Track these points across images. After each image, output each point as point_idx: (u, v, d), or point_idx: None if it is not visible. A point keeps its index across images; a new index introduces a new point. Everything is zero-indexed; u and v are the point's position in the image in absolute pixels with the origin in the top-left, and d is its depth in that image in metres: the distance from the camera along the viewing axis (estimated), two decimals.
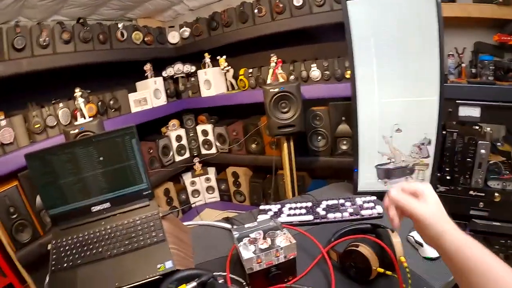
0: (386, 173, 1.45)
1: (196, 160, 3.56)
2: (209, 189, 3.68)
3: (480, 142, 1.70)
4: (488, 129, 1.77)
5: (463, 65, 2.03)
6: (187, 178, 3.64)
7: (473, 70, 1.99)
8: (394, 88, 1.39)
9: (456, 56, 2.04)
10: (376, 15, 1.36)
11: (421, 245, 1.03)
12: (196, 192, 3.66)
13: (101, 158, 1.21)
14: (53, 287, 1.05)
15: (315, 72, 2.62)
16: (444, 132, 1.78)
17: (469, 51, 2.04)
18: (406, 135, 1.40)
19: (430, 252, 1.01)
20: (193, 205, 3.56)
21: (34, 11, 2.61)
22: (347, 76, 2.44)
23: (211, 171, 3.67)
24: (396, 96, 1.39)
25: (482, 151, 1.69)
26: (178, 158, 3.48)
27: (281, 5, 2.65)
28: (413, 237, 1.07)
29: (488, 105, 1.78)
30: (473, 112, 1.82)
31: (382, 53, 1.37)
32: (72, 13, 2.81)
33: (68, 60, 2.57)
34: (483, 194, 1.77)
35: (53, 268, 1.09)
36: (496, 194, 1.71)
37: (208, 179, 3.63)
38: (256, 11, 2.80)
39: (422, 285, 0.90)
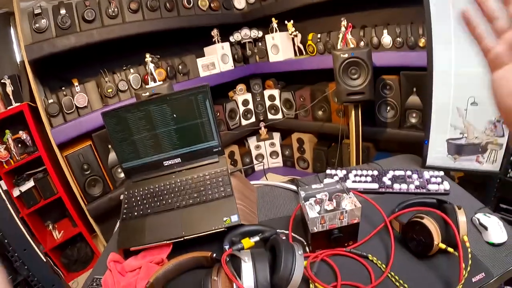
0: (457, 149, 1.38)
1: (262, 124, 3.64)
2: (273, 154, 3.75)
3: None
4: None
5: None
6: (252, 142, 3.73)
7: None
8: (473, 57, 1.27)
9: None
10: None
11: (485, 228, 0.98)
12: (260, 156, 3.75)
13: (174, 115, 1.27)
14: (123, 232, 1.15)
15: (387, 39, 2.51)
16: None
17: None
18: (481, 110, 1.30)
19: (494, 237, 0.96)
20: (256, 167, 3.65)
21: None
22: (421, 44, 2.33)
23: (276, 136, 3.73)
24: (474, 66, 1.27)
25: None
26: (244, 122, 3.58)
27: None
28: (478, 219, 1.03)
29: None
30: None
31: (460, 18, 1.27)
32: None
33: (137, 28, 2.71)
34: None
35: (124, 216, 1.19)
36: None
37: (272, 144, 3.71)
38: None
39: (481, 269, 0.87)
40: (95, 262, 2.70)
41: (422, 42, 2.31)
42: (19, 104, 2.36)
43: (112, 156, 2.61)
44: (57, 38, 2.35)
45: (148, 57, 2.41)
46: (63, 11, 2.38)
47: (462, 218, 0.88)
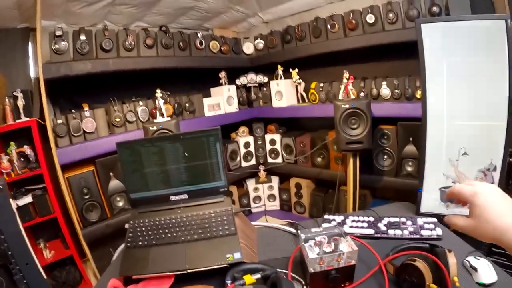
0: None
1: (261, 167, 3.66)
2: (271, 197, 3.77)
3: None
4: None
5: None
6: (250, 184, 3.75)
7: None
8: (463, 112, 1.40)
9: None
10: (449, 39, 1.39)
11: (475, 270, 1.04)
12: (257, 198, 3.76)
13: (185, 154, 1.33)
14: (126, 259, 1.17)
15: (385, 90, 2.64)
16: (511, 160, 1.70)
17: None
18: (472, 160, 1.40)
19: (484, 277, 1.01)
20: (253, 210, 3.64)
21: (120, 17, 2.91)
22: (418, 95, 2.45)
23: (275, 179, 3.75)
24: (465, 120, 1.40)
25: None
26: (244, 164, 3.62)
27: (354, 22, 2.72)
28: (468, 262, 1.08)
29: None
30: None
31: (453, 76, 1.39)
32: (154, 21, 3.10)
33: (150, 63, 2.82)
34: None
35: (128, 244, 1.22)
36: None
37: (271, 187, 3.73)
38: (329, 26, 2.88)
39: None
40: (83, 287, 2.66)
41: (419, 93, 2.43)
42: (28, 119, 2.37)
43: (113, 184, 2.63)
44: (74, 62, 2.44)
45: (159, 93, 2.50)
46: (83, 37, 2.48)
47: (452, 260, 0.92)
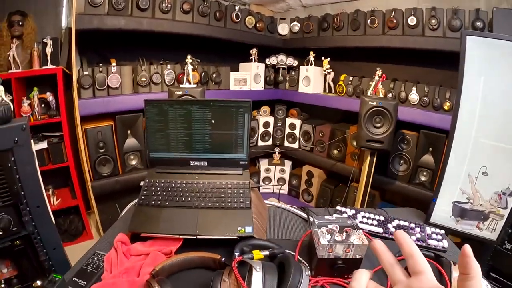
0: (461, 212, 1.46)
1: (277, 149, 3.69)
2: (281, 180, 3.80)
3: None
4: None
5: None
6: (263, 163, 3.79)
7: None
8: (492, 131, 1.39)
9: None
10: (491, 55, 1.36)
11: None
12: (267, 179, 3.80)
13: (212, 121, 1.34)
14: (137, 216, 1.18)
15: (414, 96, 2.62)
16: None
17: None
18: (490, 180, 1.40)
19: None
20: (262, 189, 3.69)
21: None
22: (445, 107, 2.44)
23: (288, 164, 3.79)
24: (492, 139, 1.39)
25: None
26: (260, 143, 3.66)
27: (394, 21, 2.68)
28: None
29: None
30: None
31: (488, 93, 1.37)
32: None
33: (184, 28, 2.83)
34: None
35: (141, 201, 1.23)
36: None
37: (282, 171, 3.75)
38: (368, 21, 2.86)
39: None
40: (84, 238, 2.77)
41: (447, 105, 2.42)
42: (54, 67, 2.41)
43: (129, 142, 2.68)
44: (108, 16, 2.45)
45: (189, 59, 2.50)
46: None
47: (456, 273, 0.94)
